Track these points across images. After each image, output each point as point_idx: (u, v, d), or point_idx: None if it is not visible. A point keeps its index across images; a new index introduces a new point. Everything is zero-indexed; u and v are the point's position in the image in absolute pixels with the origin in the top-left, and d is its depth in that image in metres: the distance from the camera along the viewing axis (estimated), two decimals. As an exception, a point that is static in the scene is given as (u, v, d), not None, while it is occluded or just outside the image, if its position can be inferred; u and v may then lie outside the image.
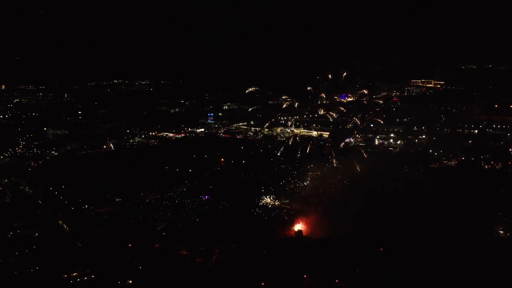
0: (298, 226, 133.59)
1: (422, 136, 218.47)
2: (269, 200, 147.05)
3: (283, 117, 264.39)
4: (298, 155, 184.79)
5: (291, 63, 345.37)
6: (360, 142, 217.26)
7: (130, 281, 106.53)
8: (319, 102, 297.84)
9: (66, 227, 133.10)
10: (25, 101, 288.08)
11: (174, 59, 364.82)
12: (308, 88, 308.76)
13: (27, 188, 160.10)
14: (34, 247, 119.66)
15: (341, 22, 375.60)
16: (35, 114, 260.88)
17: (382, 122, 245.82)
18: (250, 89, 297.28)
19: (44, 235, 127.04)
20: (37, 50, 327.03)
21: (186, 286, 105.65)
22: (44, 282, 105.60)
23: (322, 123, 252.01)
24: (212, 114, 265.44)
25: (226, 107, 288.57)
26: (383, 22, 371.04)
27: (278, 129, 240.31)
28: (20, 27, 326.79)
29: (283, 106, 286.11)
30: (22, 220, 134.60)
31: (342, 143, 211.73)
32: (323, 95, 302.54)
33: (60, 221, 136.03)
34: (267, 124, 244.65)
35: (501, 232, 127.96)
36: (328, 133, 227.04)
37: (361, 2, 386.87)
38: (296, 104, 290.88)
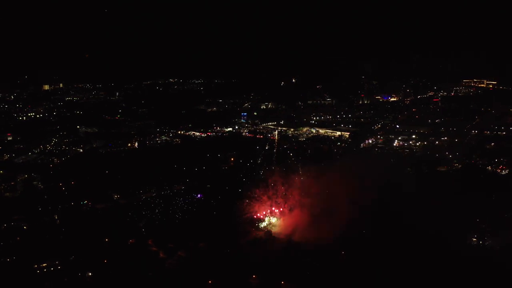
0: (270, 227, 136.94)
1: (445, 138, 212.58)
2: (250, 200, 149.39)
3: (316, 117, 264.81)
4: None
5: (336, 62, 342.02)
6: (380, 143, 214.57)
7: (90, 273, 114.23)
8: (360, 102, 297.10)
9: (58, 220, 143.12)
10: (76, 99, 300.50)
11: (230, 57, 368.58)
12: (349, 88, 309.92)
13: (39, 183, 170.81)
14: (18, 238, 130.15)
15: (392, 19, 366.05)
16: (79, 112, 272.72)
17: (409, 123, 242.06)
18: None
19: (33, 227, 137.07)
20: (98, 49, 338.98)
21: (137, 280, 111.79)
22: (15, 270, 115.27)
23: (352, 123, 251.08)
24: (245, 114, 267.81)
25: (264, 106, 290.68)
26: (436, 20, 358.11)
27: (304, 129, 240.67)
28: (86, 27, 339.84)
29: (321, 106, 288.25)
30: (23, 213, 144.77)
31: (358, 144, 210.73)
32: (363, 95, 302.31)
33: (56, 215, 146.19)
34: (291, 123, 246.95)
35: (474, 239, 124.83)
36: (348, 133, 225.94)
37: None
38: (334, 103, 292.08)
